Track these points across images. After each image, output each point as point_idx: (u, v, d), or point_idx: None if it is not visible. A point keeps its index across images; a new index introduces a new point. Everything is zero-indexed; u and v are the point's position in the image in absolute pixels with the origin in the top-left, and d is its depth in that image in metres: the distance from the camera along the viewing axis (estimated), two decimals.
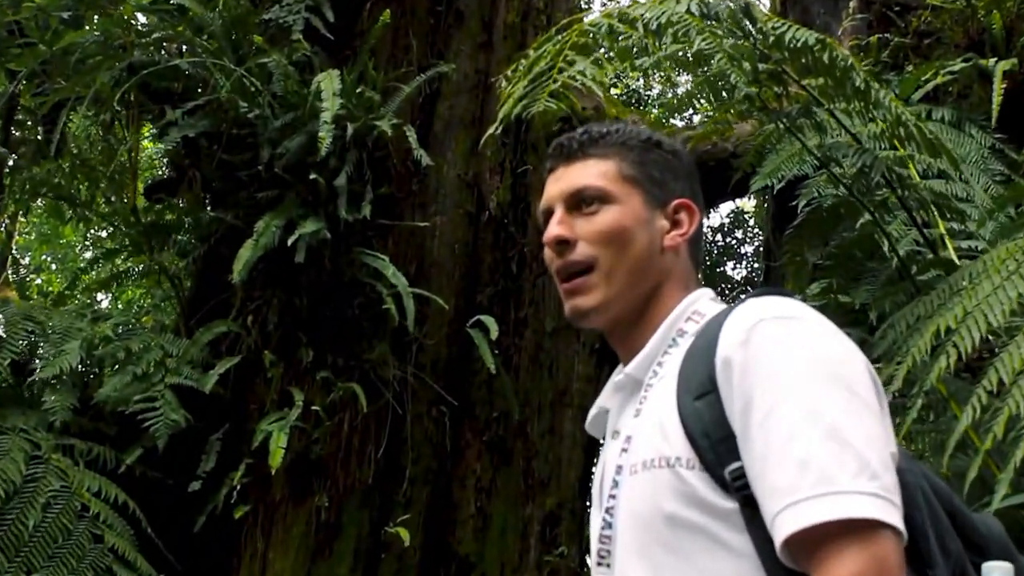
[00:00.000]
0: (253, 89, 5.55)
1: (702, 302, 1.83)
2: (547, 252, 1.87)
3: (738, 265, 13.96)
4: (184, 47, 5.94)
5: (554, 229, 1.84)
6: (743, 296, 1.77)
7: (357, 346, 5.66)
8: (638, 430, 1.68)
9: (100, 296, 10.74)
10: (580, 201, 1.85)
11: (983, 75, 5.66)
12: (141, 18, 6.14)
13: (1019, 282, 3.28)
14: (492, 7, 6.97)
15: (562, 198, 1.87)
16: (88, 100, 5.49)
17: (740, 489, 1.50)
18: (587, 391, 6.16)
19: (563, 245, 1.83)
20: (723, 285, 13.37)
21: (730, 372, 1.55)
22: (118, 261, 7.01)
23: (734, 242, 13.88)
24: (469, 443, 6.03)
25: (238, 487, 5.19)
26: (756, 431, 1.49)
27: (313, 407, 5.33)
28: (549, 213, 1.89)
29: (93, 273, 7.32)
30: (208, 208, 6.09)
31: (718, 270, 13.74)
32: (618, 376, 1.85)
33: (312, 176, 5.39)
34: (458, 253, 6.28)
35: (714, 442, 1.54)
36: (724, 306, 1.78)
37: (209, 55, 5.60)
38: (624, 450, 1.69)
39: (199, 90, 5.82)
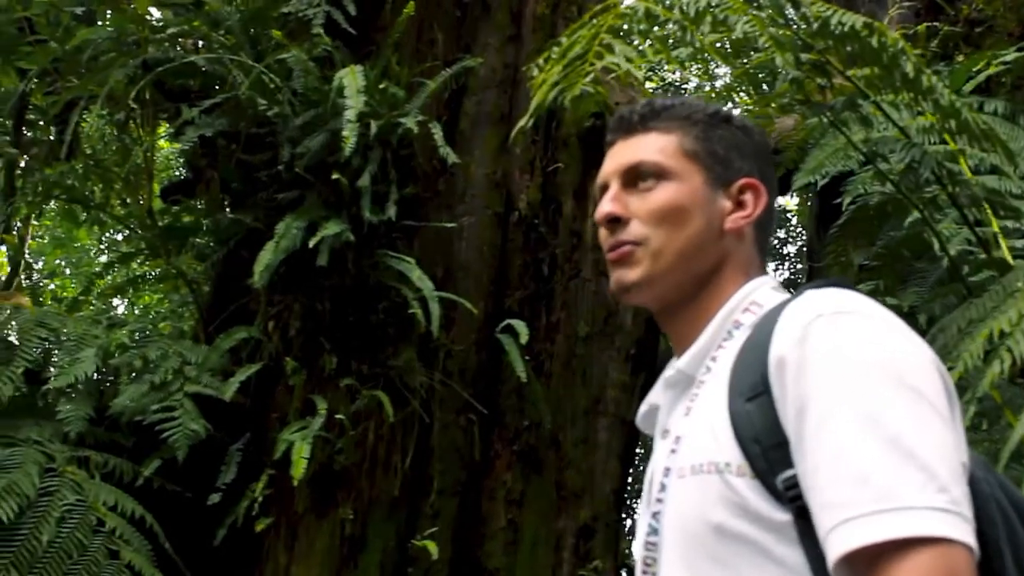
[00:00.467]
0: (272, 86, 5.43)
1: (762, 291, 1.72)
2: (600, 231, 1.76)
3: (780, 266, 13.87)
4: (200, 43, 5.87)
5: (606, 206, 1.76)
6: (801, 287, 1.64)
7: (382, 352, 5.53)
8: (688, 431, 1.60)
9: (116, 302, 10.81)
10: (636, 177, 1.77)
11: None
12: (155, 13, 6.09)
13: None
14: None
15: (618, 173, 1.79)
16: (101, 99, 5.39)
17: (794, 500, 1.41)
18: (622, 399, 6.05)
19: (615, 223, 1.75)
20: None
21: (784, 373, 1.46)
22: (134, 265, 6.99)
23: (776, 242, 13.76)
24: (499, 453, 5.89)
25: (260, 499, 5.07)
26: (810, 439, 1.39)
27: (337, 416, 5.20)
28: (605, 189, 1.81)
29: (108, 278, 7.30)
30: (227, 210, 6.00)
31: None
32: (669, 372, 1.76)
33: (334, 176, 5.26)
34: (487, 255, 6.13)
35: (765, 448, 1.45)
36: (785, 296, 1.68)
37: (226, 51, 5.51)
38: (673, 451, 1.61)
39: (216, 87, 5.73)
